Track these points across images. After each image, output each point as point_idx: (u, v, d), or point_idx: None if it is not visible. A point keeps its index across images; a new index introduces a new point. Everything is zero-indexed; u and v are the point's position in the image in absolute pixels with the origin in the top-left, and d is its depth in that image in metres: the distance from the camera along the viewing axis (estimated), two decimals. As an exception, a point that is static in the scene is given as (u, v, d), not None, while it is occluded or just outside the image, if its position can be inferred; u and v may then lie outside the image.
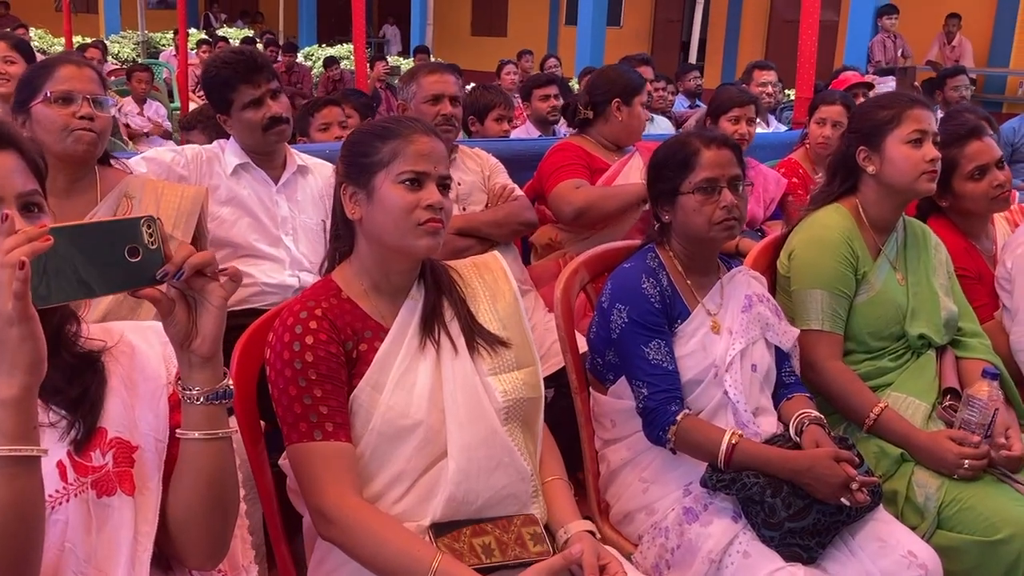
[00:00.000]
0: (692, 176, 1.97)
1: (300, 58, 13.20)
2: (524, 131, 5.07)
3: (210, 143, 2.78)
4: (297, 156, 2.79)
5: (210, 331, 1.17)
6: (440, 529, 1.53)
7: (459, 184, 3.01)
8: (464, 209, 3.01)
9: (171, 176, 2.55)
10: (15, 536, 1.01)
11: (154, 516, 1.23)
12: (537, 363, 1.71)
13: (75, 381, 1.22)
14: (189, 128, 3.73)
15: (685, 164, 1.98)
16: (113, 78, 8.93)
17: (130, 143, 6.39)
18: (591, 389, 2.12)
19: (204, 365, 1.19)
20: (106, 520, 1.19)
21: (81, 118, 2.06)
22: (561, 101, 5.12)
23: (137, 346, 1.32)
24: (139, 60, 12.27)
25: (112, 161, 2.31)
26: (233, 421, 1.65)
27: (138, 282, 1.12)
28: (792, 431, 1.95)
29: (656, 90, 6.20)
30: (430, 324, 1.64)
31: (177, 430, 1.23)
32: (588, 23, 12.08)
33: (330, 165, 2.80)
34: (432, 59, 12.42)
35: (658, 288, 1.97)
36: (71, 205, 2.13)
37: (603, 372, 2.06)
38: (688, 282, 2.03)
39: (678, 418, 1.87)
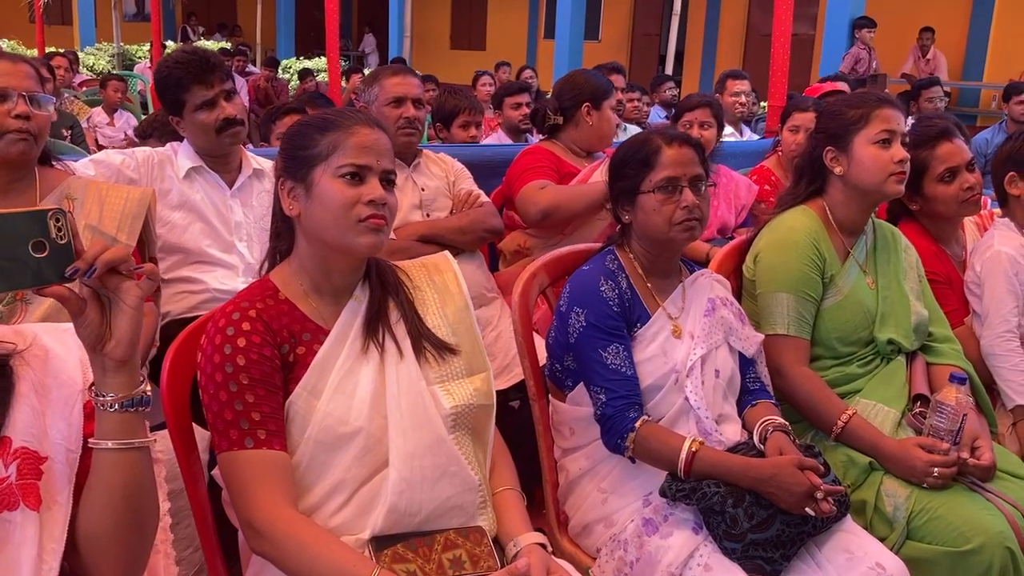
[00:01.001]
0: (653, 175, 1.91)
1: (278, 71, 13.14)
2: (496, 139, 5.02)
3: None
4: (253, 159, 2.71)
5: (125, 333, 1.10)
6: (381, 543, 1.45)
7: (423, 190, 2.95)
8: (428, 215, 2.94)
9: (120, 179, 2.47)
10: None
11: (62, 532, 1.15)
12: (489, 369, 1.63)
13: None
14: (145, 136, 3.64)
15: (646, 162, 1.92)
16: (84, 88, 8.82)
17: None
18: (550, 396, 2.04)
19: (119, 369, 1.11)
20: (7, 536, 1.11)
21: (16, 116, 1.96)
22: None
23: (51, 350, 1.23)
24: (113, 70, 12.16)
25: (54, 162, 2.22)
26: (165, 434, 1.56)
27: (44, 279, 1.05)
28: (756, 438, 1.88)
29: (631, 100, 6.16)
30: (374, 326, 1.56)
31: (89, 439, 1.15)
32: (566, 36, 12.06)
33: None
34: (411, 72, 12.39)
35: (617, 291, 1.90)
36: (6, 206, 2.02)
37: (562, 378, 1.99)
38: (648, 285, 1.97)
39: (636, 425, 1.79)
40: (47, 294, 1.06)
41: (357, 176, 1.50)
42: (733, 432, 1.92)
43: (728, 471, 1.75)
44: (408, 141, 2.90)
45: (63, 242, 1.05)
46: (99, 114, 7.29)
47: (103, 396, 1.12)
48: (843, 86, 4.51)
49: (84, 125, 6.62)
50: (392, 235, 2.74)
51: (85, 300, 1.08)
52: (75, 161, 2.48)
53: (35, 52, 11.83)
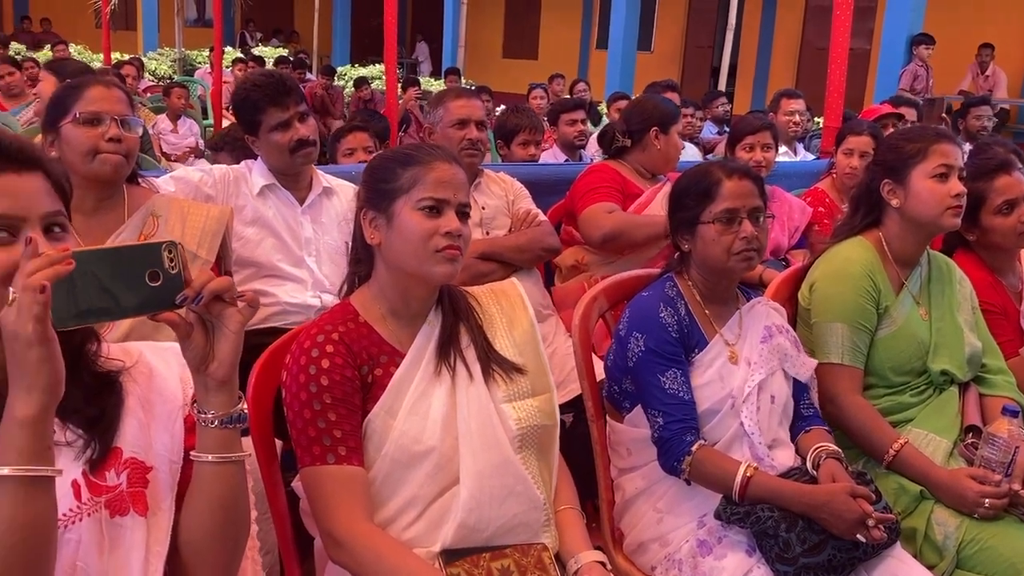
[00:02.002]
0: (713, 206, 1.97)
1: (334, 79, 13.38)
2: (551, 155, 5.09)
3: (237, 164, 2.82)
4: (323, 178, 2.82)
5: (227, 355, 1.18)
6: (450, 556, 1.53)
7: (483, 208, 3.04)
8: (487, 233, 3.02)
9: (198, 195, 2.59)
10: (27, 554, 1.02)
11: (166, 537, 1.24)
12: (552, 390, 1.71)
13: (93, 401, 1.23)
14: (217, 149, 3.79)
15: (706, 194, 1.99)
16: (149, 95, 9.07)
17: (163, 160, 6.47)
18: (608, 417, 2.11)
19: (220, 389, 1.19)
20: (118, 540, 1.20)
21: (109, 140, 2.09)
22: (588, 126, 5.15)
23: (155, 367, 1.33)
24: (175, 77, 12.46)
25: (140, 180, 2.34)
26: (249, 443, 1.66)
27: (158, 306, 1.13)
28: (809, 465, 1.94)
29: (683, 116, 6.20)
30: (446, 350, 1.65)
31: (191, 452, 1.24)
32: (619, 48, 12.13)
33: (354, 187, 2.83)
34: (463, 81, 12.53)
35: (676, 317, 1.97)
36: (98, 223, 2.16)
37: (620, 400, 2.06)
38: (706, 311, 2.03)
39: (693, 448, 1.86)
40: (160, 319, 1.15)
41: (435, 209, 1.59)
42: (786, 457, 1.98)
43: (782, 496, 1.81)
44: (471, 162, 3.00)
45: (175, 272, 1.13)
46: (163, 121, 7.51)
47: (205, 413, 1.20)
48: (905, 110, 4.50)
49: (151, 131, 6.82)
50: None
51: (192, 325, 1.16)
52: (157, 177, 2.61)
53: (101, 57, 12.19)
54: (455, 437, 1.58)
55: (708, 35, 16.31)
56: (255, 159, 2.74)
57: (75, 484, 1.18)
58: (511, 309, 1.76)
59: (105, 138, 2.09)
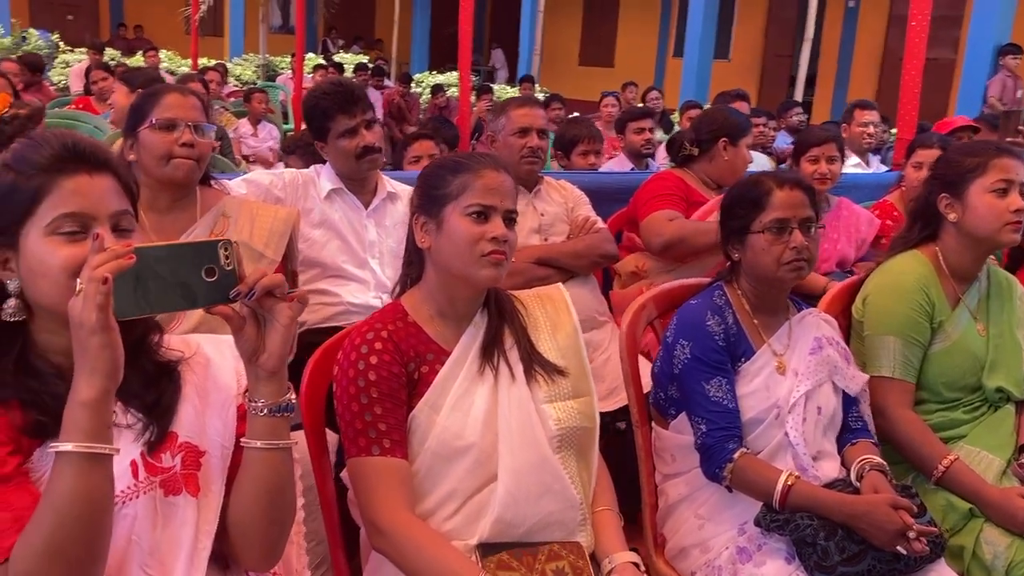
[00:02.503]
0: (763, 215, 1.99)
1: (414, 87, 13.63)
2: (618, 163, 5.12)
3: (307, 167, 2.92)
4: (388, 183, 2.90)
5: (276, 348, 1.25)
6: (487, 550, 1.58)
7: (542, 215, 3.09)
8: (546, 239, 3.08)
9: (268, 197, 2.70)
10: (85, 524, 1.10)
11: (215, 516, 1.32)
12: (593, 394, 1.75)
13: (152, 387, 1.32)
14: (289, 152, 3.93)
15: (757, 203, 2.00)
16: (232, 99, 9.38)
17: (242, 163, 6.68)
18: (654, 423, 2.14)
19: (269, 379, 1.26)
20: (171, 517, 1.28)
21: (183, 144, 2.19)
22: (656, 135, 5.15)
23: (212, 358, 1.42)
24: (258, 82, 12.84)
25: (212, 182, 2.46)
26: (301, 436, 1.74)
27: (213, 299, 1.20)
28: (853, 476, 1.94)
29: (756, 125, 6.14)
30: (490, 350, 1.70)
31: (241, 438, 1.32)
32: (695, 56, 12.06)
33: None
34: (538, 88, 12.61)
35: (723, 326, 1.99)
36: (171, 223, 2.28)
37: (665, 407, 2.08)
38: (755, 321, 2.04)
39: (735, 456, 1.88)
40: (215, 312, 1.23)
41: (482, 215, 1.65)
42: (831, 469, 1.98)
43: (822, 505, 1.82)
44: (531, 169, 3.06)
45: (230, 268, 1.21)
46: (244, 125, 7.76)
47: (255, 402, 1.28)
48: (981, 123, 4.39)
49: (231, 135, 7.06)
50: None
51: (245, 318, 1.24)
52: (230, 180, 2.73)
53: (189, 62, 12.64)
54: (495, 434, 1.63)
55: (788, 44, 16.07)
56: (324, 164, 2.85)
57: (133, 464, 1.27)
58: (555, 313, 1.81)
59: (179, 143, 2.19)
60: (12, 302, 1.22)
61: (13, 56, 9.35)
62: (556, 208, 3.14)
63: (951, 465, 2.06)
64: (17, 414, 1.21)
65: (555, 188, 3.20)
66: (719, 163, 3.20)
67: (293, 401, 1.31)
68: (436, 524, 1.61)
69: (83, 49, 12.05)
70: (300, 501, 1.53)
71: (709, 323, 1.98)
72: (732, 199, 2.08)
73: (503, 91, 13.77)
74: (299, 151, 3.80)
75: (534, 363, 1.72)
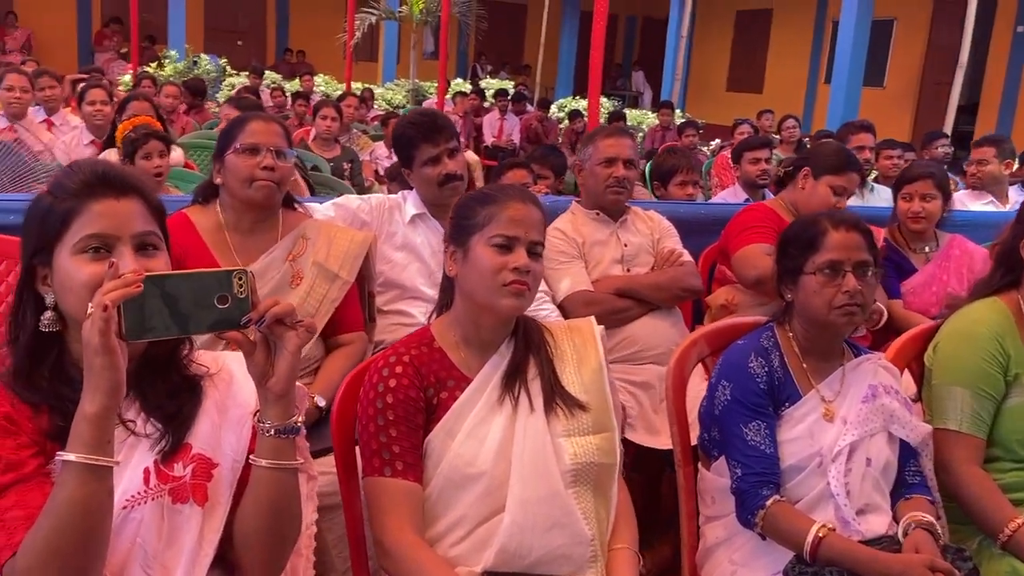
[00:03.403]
0: (816, 256, 1.93)
1: (554, 109, 13.80)
2: (731, 194, 5.01)
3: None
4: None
5: (284, 372, 1.31)
6: (493, 579, 1.61)
7: (626, 245, 3.09)
8: (628, 270, 3.07)
9: (355, 221, 2.82)
10: (81, 531, 1.18)
11: (219, 526, 1.39)
12: (614, 430, 1.75)
13: (174, 399, 1.42)
14: (392, 178, 4.06)
15: (811, 244, 1.95)
16: (375, 123, 9.77)
17: (375, 184, 6.94)
18: (700, 464, 2.10)
19: (277, 402, 1.33)
20: (176, 524, 1.36)
21: (264, 168, 2.34)
22: (772, 164, 5.02)
23: (235, 375, 1.50)
24: (407, 106, 13.31)
25: (296, 205, 2.60)
26: (330, 460, 1.80)
27: (224, 325, 1.26)
28: (900, 534, 1.84)
29: (888, 157, 5.88)
30: (512, 380, 1.73)
31: (250, 456, 1.39)
32: (843, 82, 11.63)
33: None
34: (679, 114, 12.49)
35: (766, 368, 1.94)
36: (253, 243, 2.42)
37: (709, 447, 2.04)
38: (804, 365, 1.98)
39: (767, 503, 1.82)
40: (226, 338, 1.30)
41: (506, 246, 1.69)
42: (879, 524, 1.89)
43: (855, 561, 1.74)
44: (616, 199, 3.06)
45: (242, 296, 1.27)
46: (380, 148, 8.06)
47: (263, 423, 1.34)
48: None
49: (366, 158, 7.35)
50: (590, 287, 2.93)
51: (255, 344, 1.31)
52: (320, 204, 2.87)
53: (343, 86, 13.24)
54: (508, 464, 1.65)
55: (949, 71, 15.23)
56: (411, 190, 2.95)
57: (146, 471, 1.36)
58: (583, 346, 1.82)
59: (260, 166, 2.34)
60: (49, 314, 1.34)
61: (179, 81, 10.06)
62: (641, 239, 3.13)
63: (1019, 528, 1.92)
64: (45, 419, 1.32)
65: (642, 219, 3.19)
66: (796, 192, 3.10)
67: (299, 424, 1.37)
68: (444, 549, 1.64)
69: (247, 72, 12.84)
70: (312, 517, 1.60)
71: (751, 365, 1.93)
72: (787, 238, 2.03)
73: (644, 116, 13.72)
74: (400, 178, 3.94)
75: (555, 396, 1.73)
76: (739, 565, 1.92)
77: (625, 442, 2.80)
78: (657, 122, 11.69)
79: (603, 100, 15.01)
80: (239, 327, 1.28)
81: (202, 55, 13.96)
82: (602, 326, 1.89)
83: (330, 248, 2.48)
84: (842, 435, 1.90)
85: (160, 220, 1.40)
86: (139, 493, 1.35)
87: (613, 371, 2.74)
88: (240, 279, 1.27)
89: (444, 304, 1.82)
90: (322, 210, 2.79)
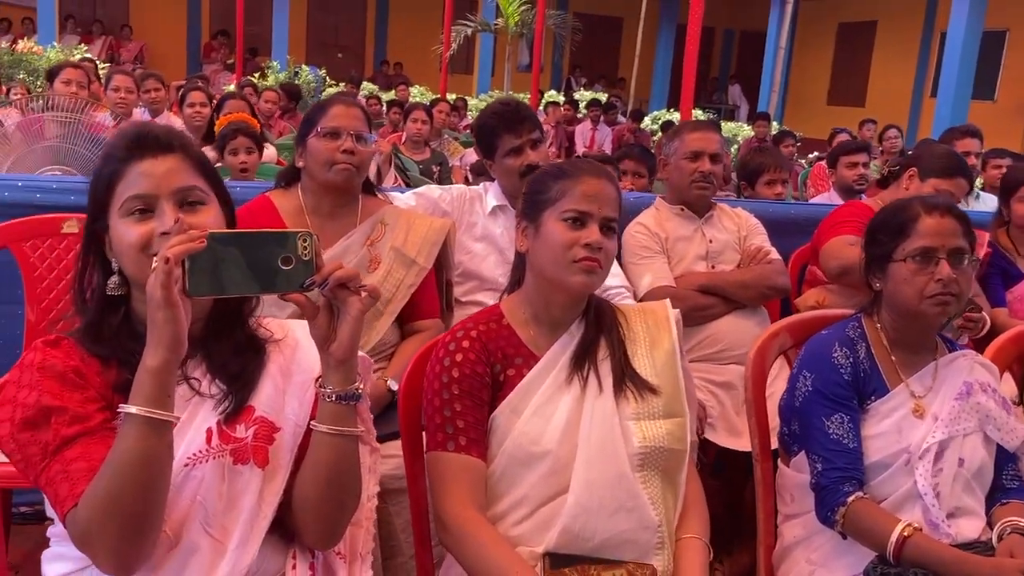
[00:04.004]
0: (907, 243, 1.83)
1: (647, 121, 13.70)
2: (826, 198, 4.86)
3: None
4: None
5: (346, 337, 1.30)
6: (556, 560, 1.56)
7: (711, 242, 3.01)
8: (713, 267, 2.99)
9: (436, 210, 2.82)
10: (140, 483, 1.20)
11: (279, 489, 1.38)
12: (687, 415, 1.68)
13: (238, 358, 1.42)
14: (477, 173, 4.06)
15: (901, 230, 1.85)
16: (466, 131, 9.85)
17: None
18: (780, 460, 2.01)
19: (338, 367, 1.32)
20: (235, 484, 1.36)
21: (344, 151, 2.35)
22: (870, 170, 4.85)
23: (301, 342, 1.49)
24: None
25: (377, 192, 2.61)
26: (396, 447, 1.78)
27: (286, 287, 1.26)
28: (994, 538, 1.72)
29: (996, 167, 5.61)
30: (581, 360, 1.68)
31: (311, 421, 1.38)
32: (950, 95, 11.20)
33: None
34: (775, 126, 12.22)
35: (851, 359, 1.84)
36: (333, 227, 2.43)
37: (789, 443, 1.96)
38: (893, 358, 1.88)
39: (849, 499, 1.73)
40: (288, 299, 1.29)
41: (578, 221, 1.64)
42: (972, 529, 1.77)
43: (941, 563, 1.63)
44: (701, 194, 2.99)
45: (307, 259, 1.26)
46: (471, 154, 8.10)
47: (324, 388, 1.33)
48: None
49: (456, 163, 7.42)
50: (672, 283, 2.86)
51: (318, 307, 1.30)
52: (402, 193, 2.88)
53: (438, 96, 13.40)
54: (574, 444, 1.60)
55: (1068, 84, 14.57)
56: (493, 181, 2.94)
57: (208, 431, 1.37)
58: (656, 329, 1.75)
59: (340, 150, 2.35)
60: (114, 278, 1.36)
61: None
62: (727, 236, 3.04)
63: None
64: (113, 373, 1.35)
65: (728, 215, 3.11)
66: (899, 192, 2.96)
67: (359, 391, 1.36)
68: (506, 527, 1.60)
69: (345, 83, 13.15)
70: (375, 490, 1.58)
71: (835, 355, 1.84)
72: (876, 224, 1.93)
73: (739, 128, 13.49)
74: (484, 173, 3.94)
75: (626, 378, 1.67)
76: (817, 565, 1.82)
77: (705, 443, 2.73)
78: (753, 134, 11.47)
79: (698, 112, 14.87)
80: (302, 289, 1.26)
81: (303, 66, 14.34)
82: (677, 309, 1.82)
83: (408, 234, 2.48)
84: (931, 432, 1.79)
85: (206, 173, 1.41)
86: (201, 452, 1.35)
87: (694, 370, 2.67)
88: (305, 241, 1.26)
89: (515, 281, 1.79)
90: (403, 199, 2.80)
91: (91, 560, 1.26)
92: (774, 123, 12.29)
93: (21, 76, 10.13)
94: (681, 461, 1.67)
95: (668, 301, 1.84)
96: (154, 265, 1.18)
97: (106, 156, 1.37)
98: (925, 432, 1.80)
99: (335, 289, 1.28)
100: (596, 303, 1.76)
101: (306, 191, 2.46)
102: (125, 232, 1.33)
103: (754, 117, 13.01)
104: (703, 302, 2.89)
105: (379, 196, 2.62)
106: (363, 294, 1.30)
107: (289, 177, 2.52)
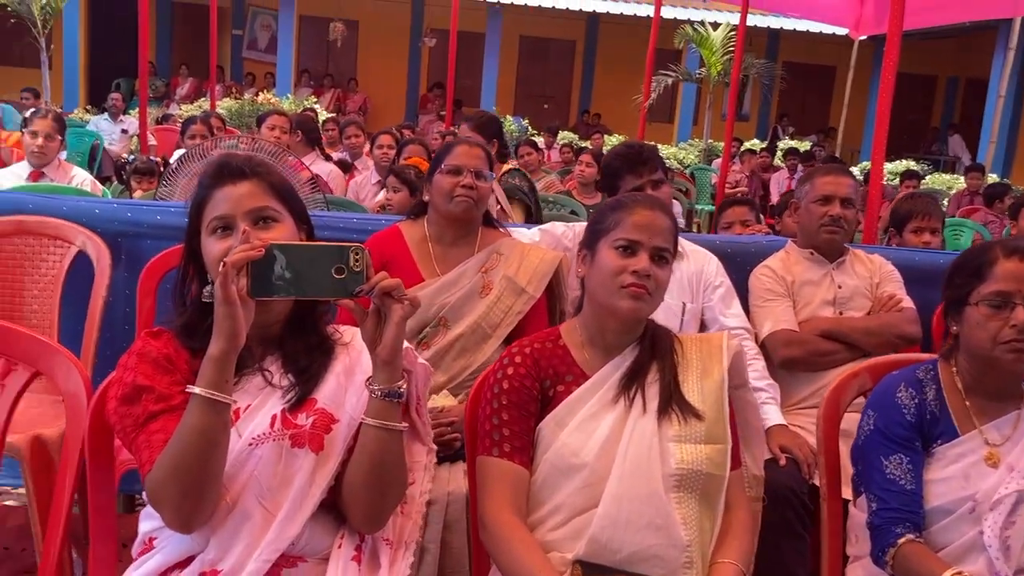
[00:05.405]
0: (983, 287, 1.79)
1: (855, 171, 13.20)
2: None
3: None
4: (681, 242, 3.01)
5: (390, 340, 1.47)
6: (588, 569, 1.64)
7: (839, 287, 2.97)
8: (840, 313, 2.94)
9: (558, 246, 2.96)
10: (199, 454, 1.41)
11: (329, 473, 1.56)
12: (728, 443, 1.72)
13: (308, 356, 1.63)
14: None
15: (977, 272, 1.81)
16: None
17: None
18: (850, 502, 1.98)
19: (383, 367, 1.49)
20: (290, 465, 1.55)
21: (463, 186, 2.57)
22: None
23: (367, 347, 1.69)
24: (695, 165, 13.39)
25: (497, 226, 2.80)
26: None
27: (338, 294, 1.45)
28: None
29: None
30: (630, 381, 1.76)
31: (363, 415, 1.57)
32: None
33: (706, 254, 2.98)
34: (990, 177, 11.42)
35: (917, 400, 1.81)
36: (453, 254, 2.65)
37: (857, 482, 1.93)
38: (967, 403, 1.82)
39: (900, 541, 1.70)
40: (340, 304, 1.49)
41: (629, 249, 1.75)
42: (1042, 588, 1.68)
43: (986, 615, 1.57)
44: (830, 239, 2.96)
45: (357, 270, 1.44)
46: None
47: (372, 385, 1.52)
48: None
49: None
50: (794, 327, 2.85)
51: (367, 313, 1.48)
52: (528, 230, 3.05)
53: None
54: (611, 460, 1.69)
55: None
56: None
57: (273, 417, 1.57)
58: (708, 358, 1.81)
59: (460, 185, 2.57)
60: (208, 288, 1.57)
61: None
62: (857, 282, 2.99)
63: None
64: (199, 363, 1.59)
65: (861, 261, 3.06)
66: None
67: (402, 390, 1.53)
68: (543, 533, 1.70)
69: (543, 132, 13.64)
70: (428, 486, 1.73)
71: (900, 395, 1.82)
72: (955, 266, 1.89)
73: (954, 180, 12.71)
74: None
75: (672, 401, 1.74)
76: (875, 607, 1.79)
77: (814, 490, 2.68)
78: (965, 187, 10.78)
79: (911, 164, 14.13)
80: (352, 296, 1.45)
81: (508, 116, 15.00)
82: (736, 341, 1.87)
83: (521, 264, 2.64)
84: (1005, 482, 1.73)
85: (281, 195, 1.62)
86: (264, 433, 1.56)
87: (811, 415, 2.65)
88: (356, 255, 1.44)
89: (579, 307, 1.91)
90: (528, 235, 2.97)
91: (160, 517, 1.49)
92: (991, 175, 11.49)
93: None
94: (720, 487, 1.71)
95: (725, 334, 1.89)
96: (219, 269, 1.41)
97: (198, 183, 1.63)
98: (997, 482, 1.73)
99: (381, 297, 1.45)
100: (653, 330, 1.84)
101: (431, 222, 2.69)
102: (210, 247, 1.57)
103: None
104: (825, 347, 2.86)
105: (499, 229, 2.80)
106: (405, 302, 1.47)
107: (418, 210, 2.77)
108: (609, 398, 1.76)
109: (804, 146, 15.03)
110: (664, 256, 1.76)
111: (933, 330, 3.10)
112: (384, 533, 1.64)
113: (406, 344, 1.54)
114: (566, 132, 14.62)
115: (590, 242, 1.83)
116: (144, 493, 1.50)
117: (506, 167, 4.60)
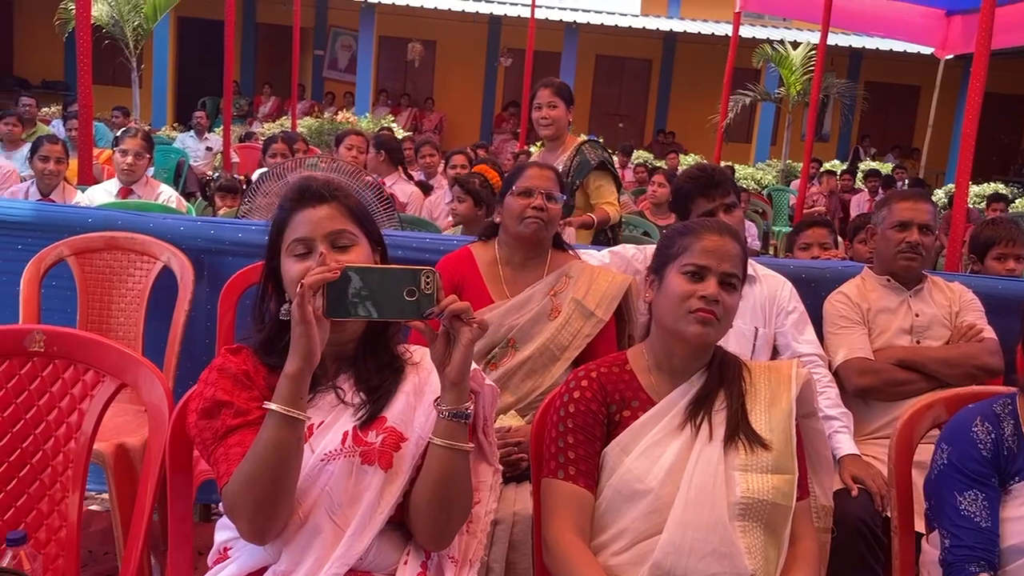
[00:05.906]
0: (1064, 321, 1.74)
1: (940, 194, 12.88)
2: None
3: None
4: (753, 267, 2.99)
5: (458, 362, 1.50)
6: (650, 594, 1.64)
7: (916, 315, 2.91)
8: (918, 342, 2.88)
9: (628, 268, 2.97)
10: (272, 467, 1.46)
11: (397, 491, 1.59)
12: (795, 473, 1.70)
13: (379, 375, 1.67)
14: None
15: (1059, 307, 1.76)
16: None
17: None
18: (923, 538, 1.94)
19: (451, 388, 1.52)
20: (360, 481, 1.59)
21: (534, 208, 2.60)
22: None
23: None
24: (772, 185, 13.21)
25: (567, 248, 2.82)
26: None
27: (409, 315, 1.48)
28: None
29: None
30: (697, 409, 1.76)
31: (430, 435, 1.60)
32: None
33: (780, 278, 2.94)
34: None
35: (993, 435, 1.76)
36: (522, 276, 2.68)
37: (930, 517, 1.88)
38: (1047, 439, 1.77)
39: (973, 580, 1.65)
40: (411, 326, 1.52)
41: (697, 275, 1.75)
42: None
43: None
44: (908, 265, 2.91)
45: (428, 292, 1.48)
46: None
47: (439, 405, 1.54)
48: None
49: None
50: (869, 355, 2.80)
51: (436, 334, 1.51)
52: (597, 252, 3.06)
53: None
54: (677, 487, 1.68)
55: None
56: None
57: (345, 433, 1.61)
58: (777, 387, 1.79)
59: (531, 206, 2.60)
60: (286, 306, 1.61)
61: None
62: (935, 310, 2.93)
63: None
64: (276, 380, 1.64)
65: (941, 289, 2.99)
66: None
67: (469, 411, 1.55)
68: (606, 557, 1.71)
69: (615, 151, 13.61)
70: (493, 506, 1.76)
71: (975, 429, 1.77)
72: (1035, 300, 1.84)
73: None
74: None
75: (739, 430, 1.73)
76: (946, 646, 1.74)
77: (887, 523, 2.62)
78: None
79: (999, 187, 13.68)
80: (422, 318, 1.48)
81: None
82: (807, 370, 1.85)
83: (590, 287, 2.65)
84: (1091, 525, 1.67)
85: (357, 219, 1.67)
86: (335, 450, 1.60)
87: (885, 445, 2.59)
88: (428, 278, 1.48)
89: (646, 332, 1.91)
90: (598, 257, 2.98)
91: (235, 528, 1.54)
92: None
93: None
94: (786, 517, 1.70)
95: (795, 362, 1.87)
96: (297, 289, 1.46)
97: (279, 205, 1.69)
98: (1076, 522, 1.68)
99: (450, 319, 1.48)
100: (722, 356, 1.84)
101: (501, 244, 2.73)
102: (289, 268, 1.63)
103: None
104: (901, 377, 2.80)
105: (569, 252, 2.82)
106: (473, 325, 1.49)
107: (489, 232, 2.80)
108: (675, 424, 1.76)
109: (886, 168, 14.70)
110: (732, 283, 1.76)
111: (1017, 362, 3.00)
112: (450, 551, 1.66)
113: (474, 365, 1.57)
114: (641, 151, 14.55)
115: (658, 267, 1.84)
116: (221, 503, 1.55)
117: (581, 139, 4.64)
